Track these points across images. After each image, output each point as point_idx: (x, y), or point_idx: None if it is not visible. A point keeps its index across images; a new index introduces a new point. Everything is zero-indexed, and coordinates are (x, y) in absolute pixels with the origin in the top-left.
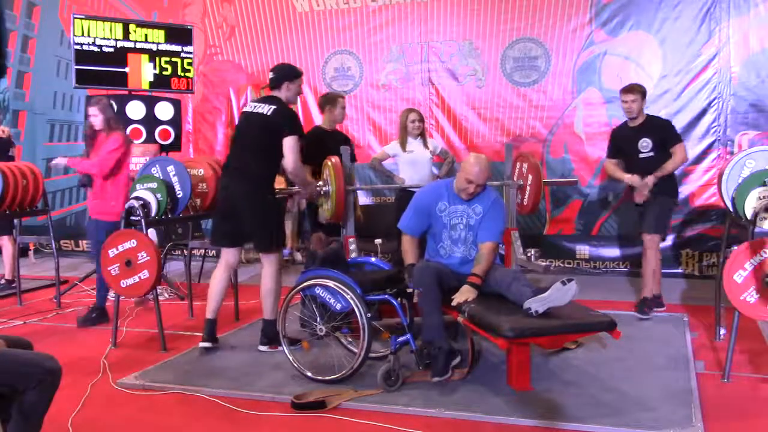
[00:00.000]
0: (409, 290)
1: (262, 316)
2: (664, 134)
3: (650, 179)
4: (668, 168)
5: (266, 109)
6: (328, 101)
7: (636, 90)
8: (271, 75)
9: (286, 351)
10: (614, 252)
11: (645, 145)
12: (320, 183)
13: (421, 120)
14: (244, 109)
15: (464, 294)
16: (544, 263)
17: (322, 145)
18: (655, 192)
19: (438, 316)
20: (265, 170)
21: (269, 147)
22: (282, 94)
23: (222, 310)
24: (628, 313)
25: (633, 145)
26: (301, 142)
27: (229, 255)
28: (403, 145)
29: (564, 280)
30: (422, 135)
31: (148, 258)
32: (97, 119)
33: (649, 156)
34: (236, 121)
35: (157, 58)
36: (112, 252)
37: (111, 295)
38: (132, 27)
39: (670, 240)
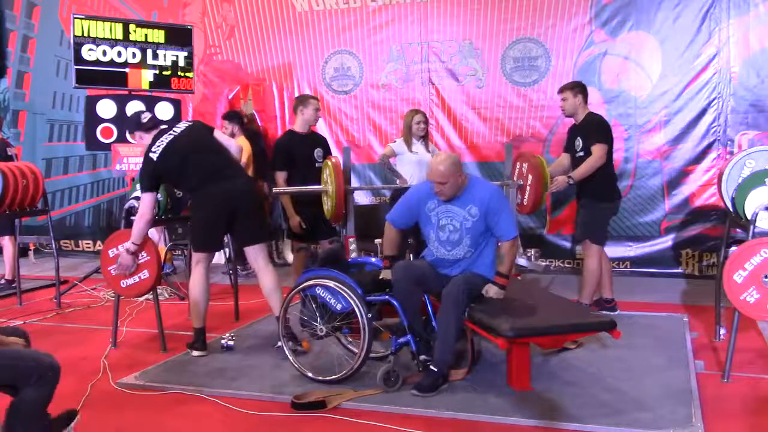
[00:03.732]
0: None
1: (274, 314)
2: (587, 134)
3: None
4: (581, 170)
5: (180, 127)
6: (300, 102)
7: (565, 89)
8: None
9: (287, 351)
10: (613, 252)
11: (578, 144)
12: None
13: (426, 122)
14: (165, 142)
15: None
16: (544, 263)
17: (292, 150)
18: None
19: (418, 319)
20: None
21: (217, 147)
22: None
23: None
24: (628, 313)
25: (571, 146)
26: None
27: (207, 259)
28: (408, 145)
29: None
30: (424, 137)
31: (148, 258)
32: None
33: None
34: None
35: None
36: (112, 252)
37: (111, 294)
38: (132, 27)
39: (670, 240)
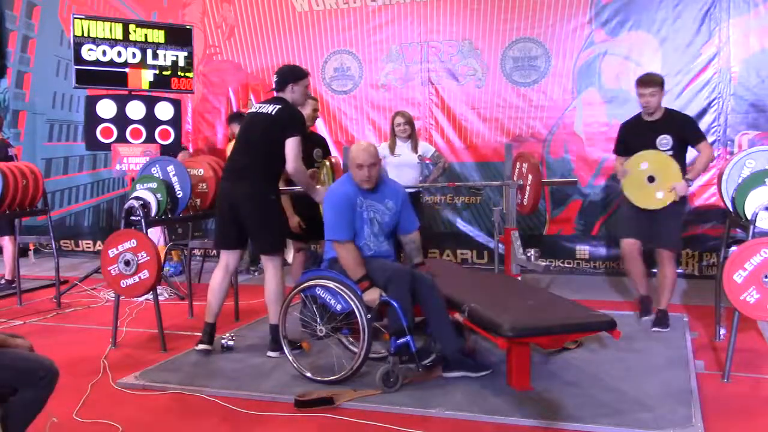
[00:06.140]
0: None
1: (269, 321)
2: (685, 132)
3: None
4: (698, 168)
5: (270, 109)
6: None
7: (655, 82)
8: (275, 77)
9: (287, 351)
10: (614, 252)
11: (665, 142)
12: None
13: (408, 123)
14: (249, 110)
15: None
16: (544, 263)
17: None
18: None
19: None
20: (267, 169)
21: (271, 146)
22: (287, 95)
23: (222, 309)
24: (628, 313)
25: (650, 142)
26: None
27: (230, 257)
28: (392, 148)
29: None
30: (411, 138)
31: (148, 258)
32: None
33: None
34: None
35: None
36: (112, 252)
37: (111, 294)
38: (132, 27)
39: None
